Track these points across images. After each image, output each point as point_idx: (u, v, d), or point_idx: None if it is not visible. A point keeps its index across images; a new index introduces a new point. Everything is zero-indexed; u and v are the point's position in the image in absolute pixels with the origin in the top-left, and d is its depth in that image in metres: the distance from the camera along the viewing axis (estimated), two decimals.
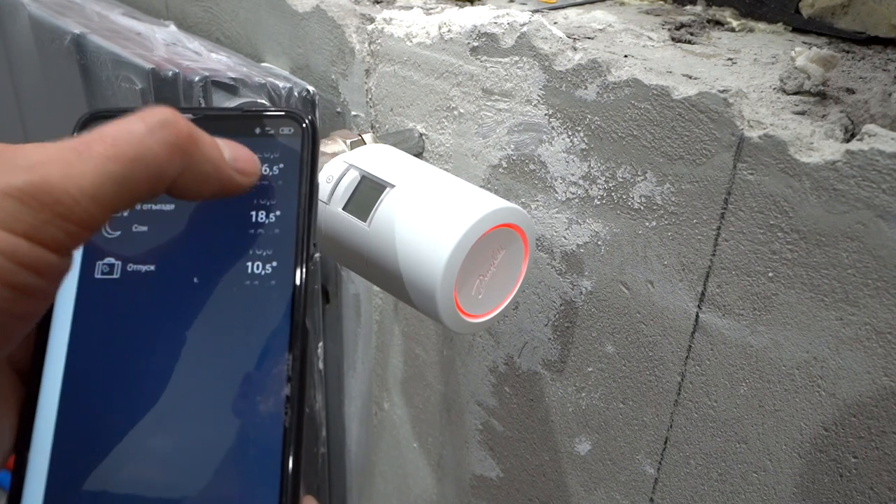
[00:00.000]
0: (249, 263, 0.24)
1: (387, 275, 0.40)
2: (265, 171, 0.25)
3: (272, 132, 0.26)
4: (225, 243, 0.24)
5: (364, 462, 0.74)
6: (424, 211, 0.38)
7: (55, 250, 0.18)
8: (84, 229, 0.19)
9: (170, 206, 0.25)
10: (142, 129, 0.20)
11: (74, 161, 0.19)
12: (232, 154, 0.23)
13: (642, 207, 0.42)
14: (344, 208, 0.41)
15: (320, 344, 0.67)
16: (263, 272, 0.24)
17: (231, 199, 0.24)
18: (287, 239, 0.24)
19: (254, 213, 0.25)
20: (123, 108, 0.26)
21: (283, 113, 0.26)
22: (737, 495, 0.43)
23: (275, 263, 0.24)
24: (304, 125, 0.26)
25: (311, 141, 0.26)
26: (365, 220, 0.40)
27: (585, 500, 0.53)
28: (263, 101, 0.56)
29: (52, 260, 0.18)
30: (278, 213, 0.25)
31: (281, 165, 0.25)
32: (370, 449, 0.73)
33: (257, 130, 0.26)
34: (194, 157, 0.21)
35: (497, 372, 0.56)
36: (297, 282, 0.24)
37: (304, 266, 0.24)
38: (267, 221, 0.25)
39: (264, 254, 0.24)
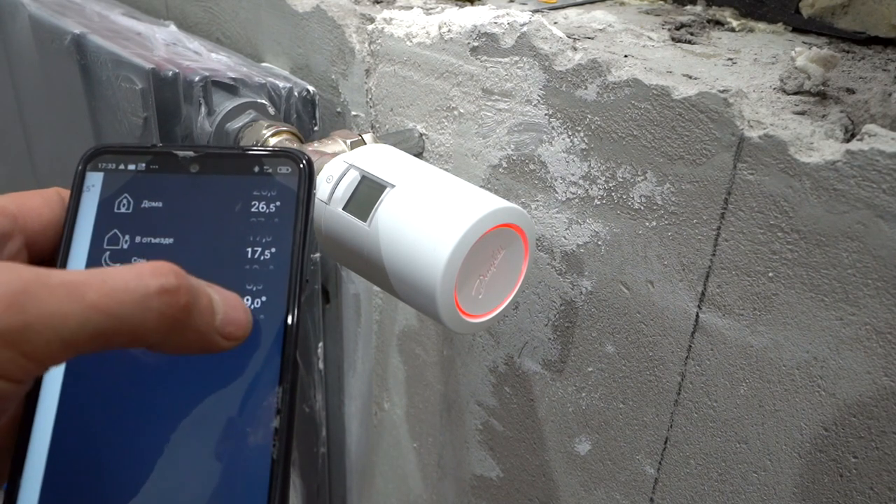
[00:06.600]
0: (243, 298, 0.25)
1: (387, 275, 0.40)
2: (262, 209, 0.26)
3: (270, 171, 0.26)
4: (220, 278, 0.25)
5: (364, 462, 0.74)
6: (424, 211, 0.38)
7: (12, 381, 0.19)
8: (43, 367, 0.19)
9: (168, 241, 0.25)
10: (140, 292, 0.19)
11: (64, 301, 0.18)
12: (225, 317, 0.22)
13: (642, 207, 0.42)
14: (344, 208, 0.41)
15: (320, 344, 0.67)
16: (256, 306, 0.25)
17: (229, 235, 0.25)
18: (281, 275, 0.25)
19: (250, 249, 0.25)
20: (130, 145, 0.27)
21: (281, 152, 0.27)
22: (737, 495, 0.43)
23: (266, 298, 0.25)
24: (301, 165, 0.26)
25: (308, 180, 0.26)
26: (365, 220, 0.40)
27: (585, 500, 0.53)
28: (263, 101, 0.56)
29: (7, 388, 0.19)
30: (273, 249, 0.25)
31: (277, 203, 0.26)
32: (370, 449, 0.73)
33: (256, 169, 0.26)
34: (182, 328, 0.21)
35: (497, 372, 0.56)
36: (289, 316, 0.25)
37: (296, 301, 0.25)
38: (262, 258, 0.25)
39: (258, 289, 0.25)
